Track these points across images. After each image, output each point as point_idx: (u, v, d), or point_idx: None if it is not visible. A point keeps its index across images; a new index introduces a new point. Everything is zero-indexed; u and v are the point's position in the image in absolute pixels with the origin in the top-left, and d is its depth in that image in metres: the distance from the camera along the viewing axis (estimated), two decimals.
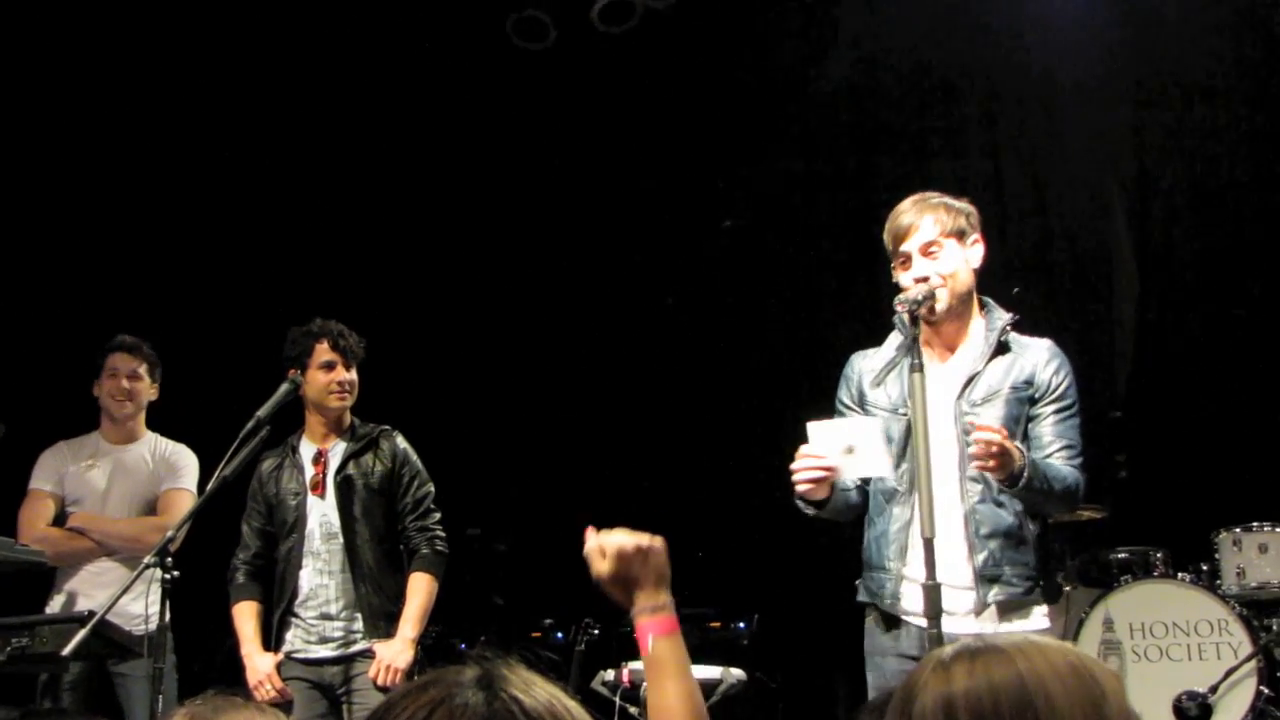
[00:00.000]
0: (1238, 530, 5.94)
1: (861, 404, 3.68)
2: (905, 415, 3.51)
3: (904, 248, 3.58)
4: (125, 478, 5.05)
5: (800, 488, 3.39)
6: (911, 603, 3.47)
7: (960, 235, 3.59)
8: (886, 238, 3.65)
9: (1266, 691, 5.57)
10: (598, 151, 7.61)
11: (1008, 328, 3.62)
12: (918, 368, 3.34)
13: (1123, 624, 5.76)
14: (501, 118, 7.58)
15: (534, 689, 1.18)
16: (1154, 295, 7.33)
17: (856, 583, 3.69)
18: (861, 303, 6.62)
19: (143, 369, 5.14)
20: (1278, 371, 6.53)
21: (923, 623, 3.26)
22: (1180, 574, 5.97)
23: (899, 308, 3.45)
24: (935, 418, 3.44)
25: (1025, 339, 3.65)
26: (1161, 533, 6.23)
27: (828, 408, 3.76)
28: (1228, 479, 6.49)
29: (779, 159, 7.71)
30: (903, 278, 3.59)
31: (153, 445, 5.16)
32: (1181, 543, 6.16)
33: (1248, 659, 5.54)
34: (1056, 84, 7.21)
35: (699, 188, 7.84)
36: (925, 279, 3.53)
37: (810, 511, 3.56)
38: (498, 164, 7.73)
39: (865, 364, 3.73)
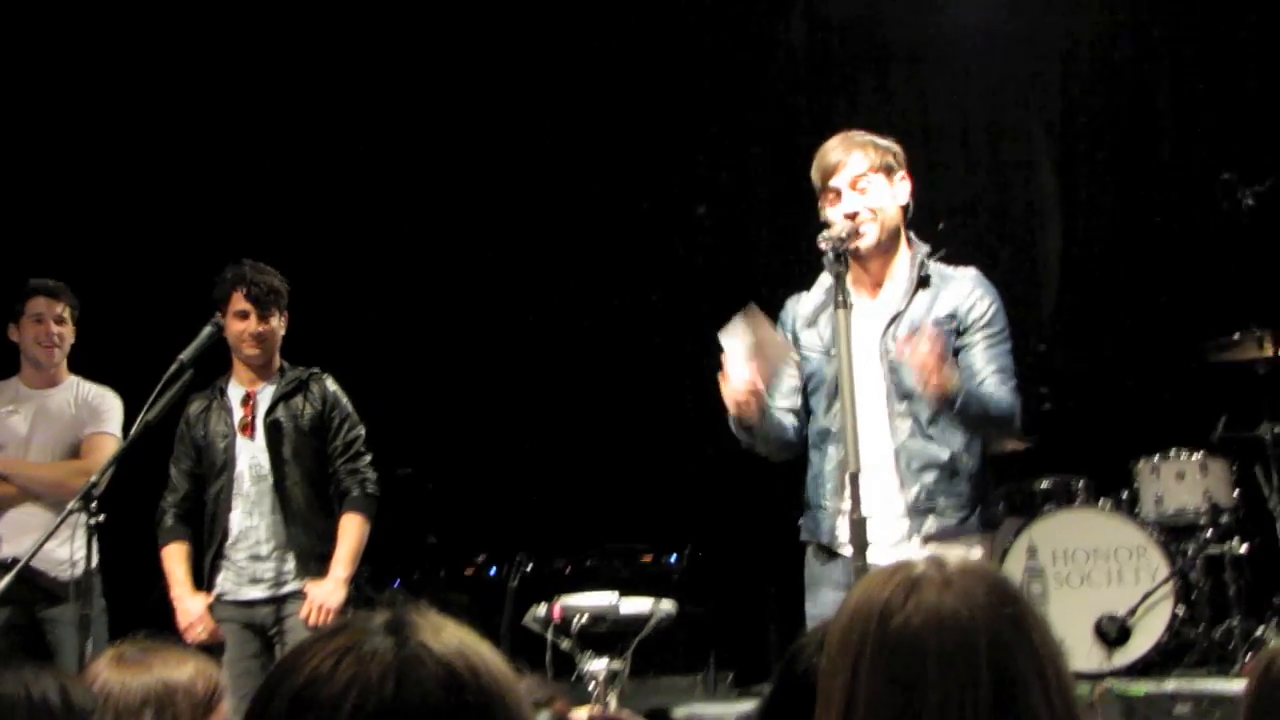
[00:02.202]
0: (1156, 458, 6.08)
1: (795, 346, 3.69)
2: (836, 356, 3.53)
3: (833, 182, 3.58)
4: (48, 423, 4.97)
5: (731, 410, 3.42)
6: (844, 534, 3.52)
7: (888, 171, 3.60)
8: (815, 174, 3.64)
9: (1182, 613, 5.74)
10: (558, 108, 7.60)
11: (926, 260, 3.64)
12: (842, 304, 3.38)
13: (1046, 551, 5.88)
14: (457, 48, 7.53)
15: (443, 634, 1.19)
16: (1077, 231, 7.45)
17: (799, 523, 3.74)
18: (789, 237, 6.66)
19: (66, 313, 5.03)
20: (1194, 304, 6.65)
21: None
22: (1101, 501, 6.10)
23: (823, 244, 3.47)
24: (861, 356, 3.49)
25: (949, 270, 3.67)
26: (1083, 462, 6.36)
27: None
28: (1146, 409, 6.64)
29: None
30: (830, 213, 3.59)
31: (75, 389, 5.06)
32: (1102, 471, 6.29)
33: (1164, 582, 5.70)
34: (986, 29, 7.29)
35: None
36: (854, 214, 3.54)
37: (746, 440, 3.60)
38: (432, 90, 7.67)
39: (798, 307, 3.74)
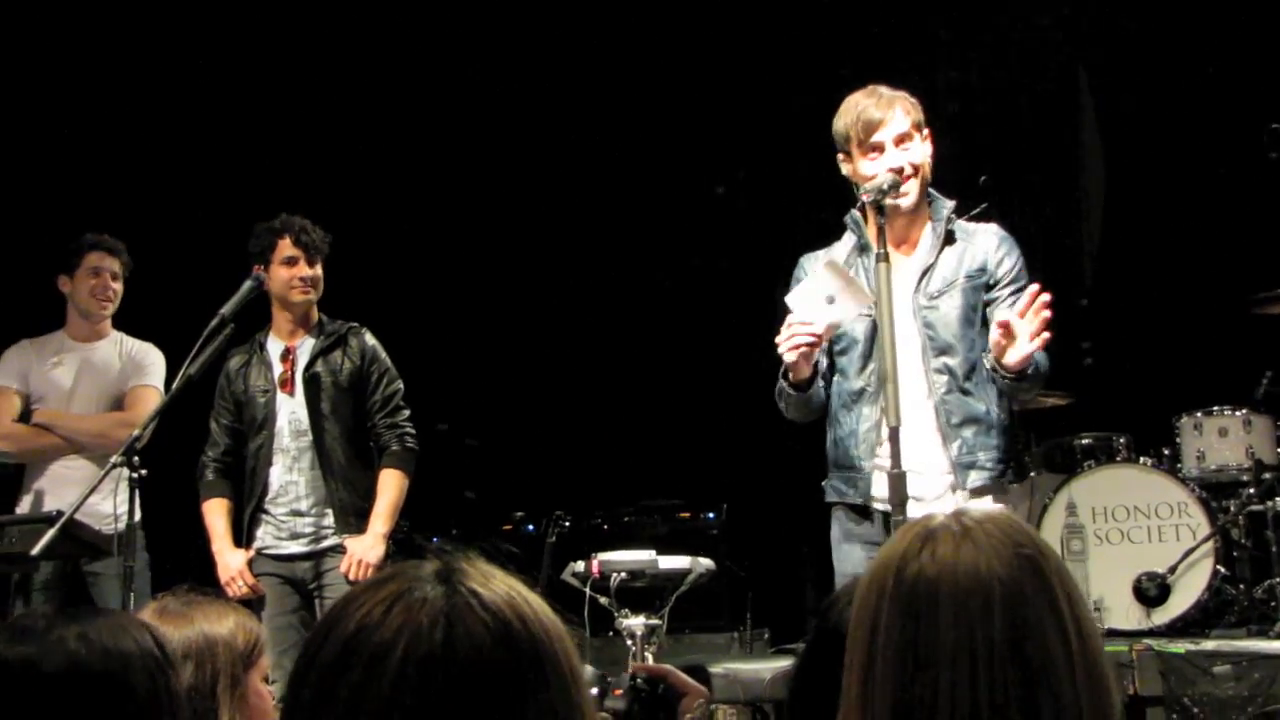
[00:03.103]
0: (1199, 414, 6.02)
1: None
2: (868, 315, 3.53)
3: (877, 137, 3.56)
4: (92, 376, 5.00)
5: (789, 356, 3.40)
6: (881, 490, 3.52)
7: (919, 129, 3.61)
8: (852, 128, 3.61)
9: (1223, 571, 5.69)
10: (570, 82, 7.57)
11: (952, 215, 3.66)
12: (883, 257, 3.36)
13: (1085, 508, 5.84)
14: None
15: (493, 582, 1.19)
16: (1121, 183, 7.36)
17: (823, 484, 3.73)
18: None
19: (120, 269, 5.07)
20: (1237, 259, 6.57)
21: (889, 509, 3.33)
22: (1142, 458, 6.05)
23: (866, 196, 3.44)
24: (896, 311, 3.47)
25: (971, 226, 3.70)
26: (1125, 418, 6.31)
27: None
28: (1189, 365, 6.57)
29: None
30: (868, 166, 3.58)
31: (119, 343, 5.09)
32: (1144, 428, 6.24)
33: (1205, 540, 5.65)
34: None
35: None
36: (900, 169, 3.53)
37: (788, 399, 3.58)
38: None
39: (816, 266, 3.71)
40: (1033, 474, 6.08)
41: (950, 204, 3.69)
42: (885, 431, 3.40)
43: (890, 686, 1.40)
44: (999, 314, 3.50)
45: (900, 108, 3.58)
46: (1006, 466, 3.58)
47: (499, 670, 1.13)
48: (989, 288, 3.59)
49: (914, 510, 3.31)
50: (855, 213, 3.65)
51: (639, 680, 1.94)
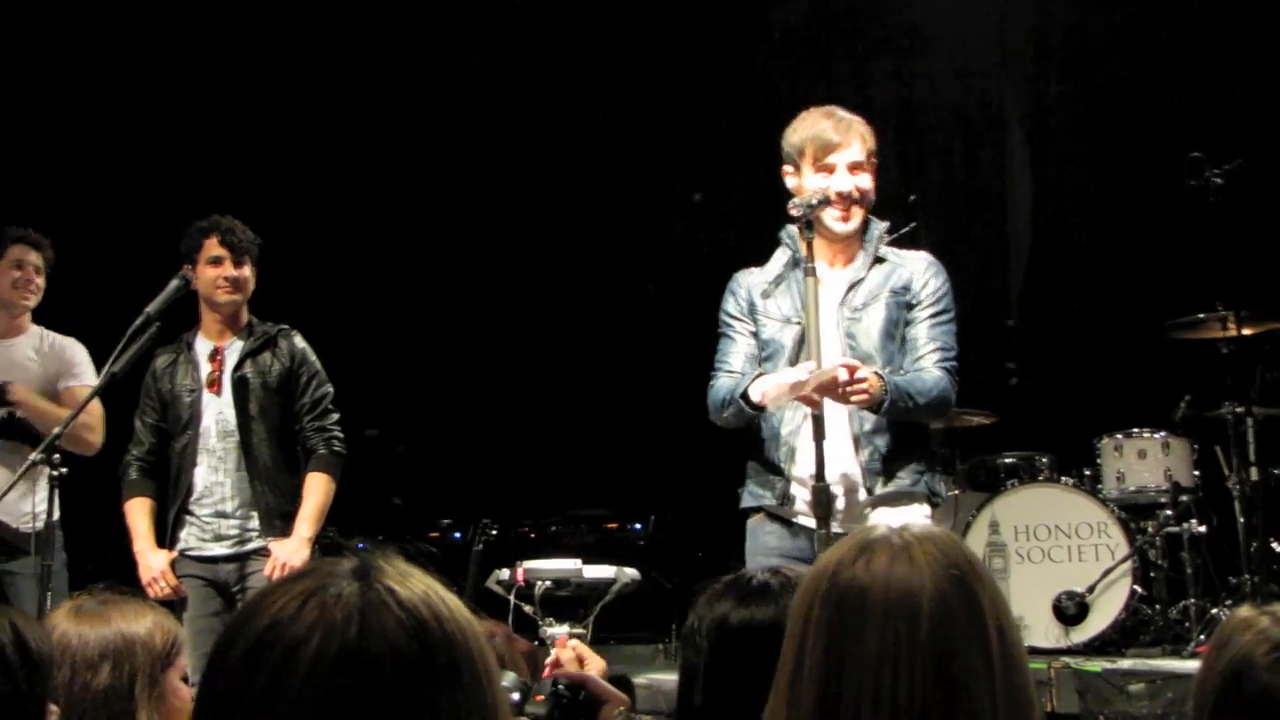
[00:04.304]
0: (1119, 436, 6.13)
1: (751, 314, 3.76)
2: (797, 324, 3.63)
3: (832, 158, 3.65)
4: (11, 371, 4.91)
5: (752, 398, 3.53)
6: (802, 505, 3.56)
7: (872, 158, 3.71)
8: (808, 144, 3.68)
9: (1140, 591, 5.80)
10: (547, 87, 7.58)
11: (884, 236, 3.76)
12: (811, 271, 3.43)
13: (1007, 526, 5.93)
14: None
15: (410, 580, 1.19)
16: (1047, 208, 7.50)
17: (740, 490, 3.77)
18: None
19: (43, 263, 4.99)
20: (1160, 282, 6.70)
21: (813, 524, 3.37)
22: (1064, 478, 6.16)
23: (794, 210, 3.49)
24: (822, 323, 3.54)
25: (904, 252, 3.80)
26: (1047, 438, 6.42)
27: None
28: (1111, 387, 6.69)
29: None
30: (812, 180, 3.64)
31: (39, 339, 4.99)
32: (1066, 448, 6.35)
33: (1123, 560, 5.76)
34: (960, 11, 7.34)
35: None
36: (847, 194, 3.62)
37: (738, 416, 3.63)
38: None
39: (751, 279, 3.81)
40: (956, 492, 6.17)
41: (883, 226, 3.78)
42: (804, 436, 3.49)
43: (815, 686, 1.43)
44: (909, 333, 3.62)
45: (858, 135, 3.68)
46: (919, 478, 3.62)
47: (413, 668, 1.13)
48: (910, 308, 3.68)
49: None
50: (791, 228, 3.69)
51: (560, 686, 1.95)
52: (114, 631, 2.27)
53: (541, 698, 1.93)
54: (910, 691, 1.40)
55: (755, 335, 3.74)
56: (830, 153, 3.64)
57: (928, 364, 3.62)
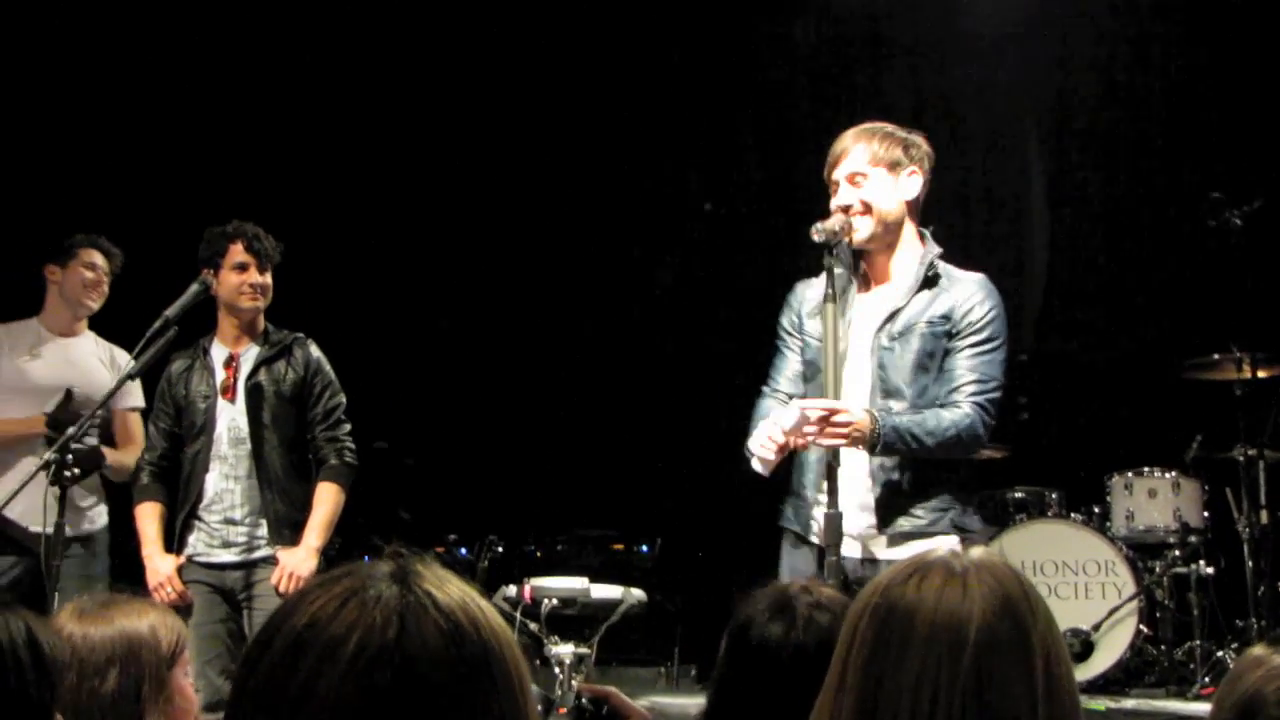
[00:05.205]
0: (1129, 475, 6.13)
1: (800, 331, 3.69)
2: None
3: (834, 174, 3.60)
4: (77, 368, 4.88)
5: (755, 465, 3.42)
6: (819, 523, 3.53)
7: (893, 165, 3.58)
8: (826, 166, 3.66)
9: (1146, 631, 5.79)
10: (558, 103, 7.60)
11: (935, 260, 3.60)
12: (831, 298, 3.40)
13: (1015, 561, 5.80)
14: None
15: (447, 586, 1.19)
16: (1064, 244, 7.50)
17: (781, 507, 3.73)
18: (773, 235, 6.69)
19: (109, 270, 5.02)
20: (1176, 322, 6.71)
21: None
22: (1073, 514, 6.15)
23: (815, 236, 3.47)
24: (856, 349, 3.51)
25: (958, 272, 3.63)
26: (1058, 474, 6.41)
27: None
28: (1123, 425, 6.69)
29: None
30: (832, 202, 3.62)
31: (94, 343, 5.01)
32: (1076, 485, 6.34)
33: (1130, 599, 5.74)
34: (980, 34, 7.32)
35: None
36: (847, 207, 3.55)
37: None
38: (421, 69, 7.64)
39: (808, 293, 3.71)
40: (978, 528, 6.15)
41: (937, 249, 3.63)
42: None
43: (855, 700, 1.44)
44: (947, 363, 3.52)
45: (865, 144, 3.58)
46: (940, 516, 3.49)
47: (449, 671, 1.13)
48: (949, 336, 3.52)
49: (846, 548, 3.39)
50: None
51: (584, 700, 1.95)
52: (117, 631, 2.27)
53: (564, 710, 1.93)
54: (948, 718, 1.39)
55: (802, 353, 3.68)
56: (834, 169, 3.60)
57: (960, 397, 3.46)
